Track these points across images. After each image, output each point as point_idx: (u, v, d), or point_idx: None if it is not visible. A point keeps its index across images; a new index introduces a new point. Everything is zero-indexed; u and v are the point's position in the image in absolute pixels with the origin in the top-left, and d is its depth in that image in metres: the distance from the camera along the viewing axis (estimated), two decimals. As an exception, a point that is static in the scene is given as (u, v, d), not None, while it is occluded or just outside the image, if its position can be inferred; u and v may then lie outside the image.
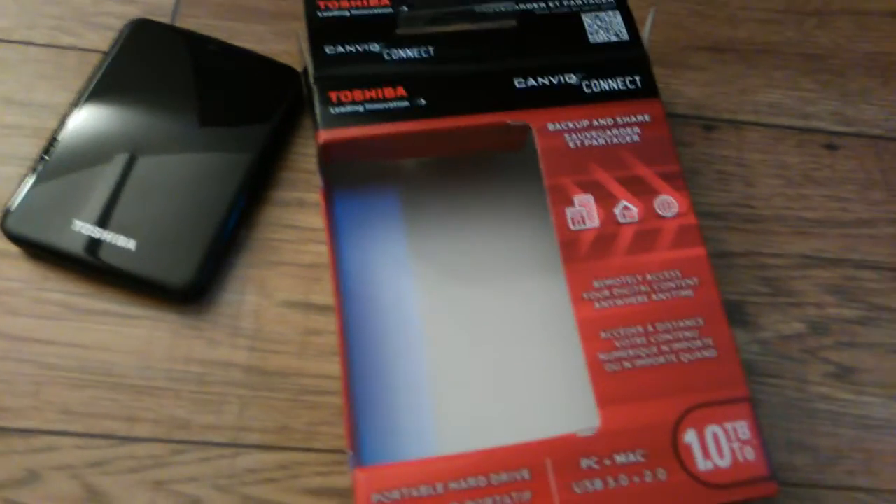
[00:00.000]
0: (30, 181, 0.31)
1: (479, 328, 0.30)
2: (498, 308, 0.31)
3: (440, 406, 0.29)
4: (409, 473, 0.24)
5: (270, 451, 0.29)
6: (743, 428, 0.25)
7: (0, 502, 0.27)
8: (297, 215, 0.33)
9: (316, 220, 0.33)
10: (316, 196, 0.33)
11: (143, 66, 0.33)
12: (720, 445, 0.25)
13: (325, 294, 0.32)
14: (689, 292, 0.27)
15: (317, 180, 0.34)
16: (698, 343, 0.26)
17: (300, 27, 0.31)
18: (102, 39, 0.35)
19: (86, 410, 0.29)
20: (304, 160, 0.34)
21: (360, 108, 0.29)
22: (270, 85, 0.33)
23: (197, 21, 0.36)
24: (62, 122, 0.32)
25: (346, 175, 0.33)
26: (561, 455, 0.24)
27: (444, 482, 0.24)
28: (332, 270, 0.29)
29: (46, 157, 0.31)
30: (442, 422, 0.29)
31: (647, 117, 0.30)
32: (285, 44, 0.36)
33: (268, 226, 0.33)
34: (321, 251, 0.32)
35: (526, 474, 0.24)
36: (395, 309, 0.31)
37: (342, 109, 0.29)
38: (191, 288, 0.30)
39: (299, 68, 0.34)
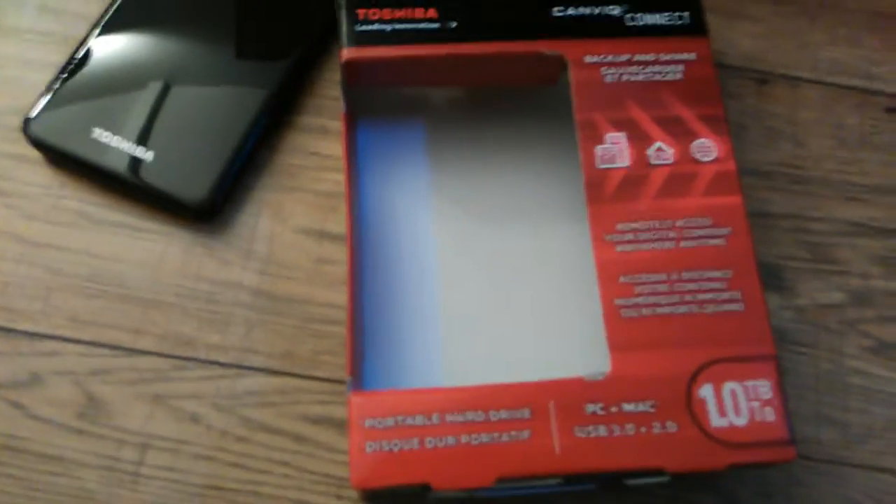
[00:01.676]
0: (54, 88, 0.30)
1: (497, 268, 0.29)
2: (517, 249, 0.30)
3: (449, 343, 0.28)
4: (405, 402, 0.23)
5: (273, 376, 0.28)
6: (765, 387, 0.23)
7: (1, 402, 0.27)
8: (320, 142, 0.32)
9: (338, 148, 0.32)
10: (339, 124, 0.32)
11: (175, -21, 0.32)
12: (738, 403, 0.23)
13: (340, 223, 0.31)
14: (720, 241, 0.25)
15: (341, 105, 0.33)
16: (725, 295, 0.25)
17: (335, -54, 0.30)
18: (138, -47, 0.35)
19: (93, 319, 0.28)
20: (332, 87, 0.33)
21: (388, 28, 0.28)
22: (302, 5, 0.32)
23: (233, -61, 0.35)
24: (90, 32, 0.31)
25: (371, 104, 0.32)
26: (565, 397, 0.23)
27: (440, 413, 0.23)
28: (347, 196, 0.28)
29: (73, 66, 0.31)
30: (449, 358, 0.28)
31: (692, 56, 0.28)
32: (321, -34, 0.35)
33: (289, 151, 0.32)
34: (340, 180, 0.31)
35: (527, 413, 0.23)
36: (411, 242, 0.30)
37: (368, 27, 0.28)
38: (205, 205, 0.29)
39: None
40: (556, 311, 0.29)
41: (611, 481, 0.25)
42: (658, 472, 0.23)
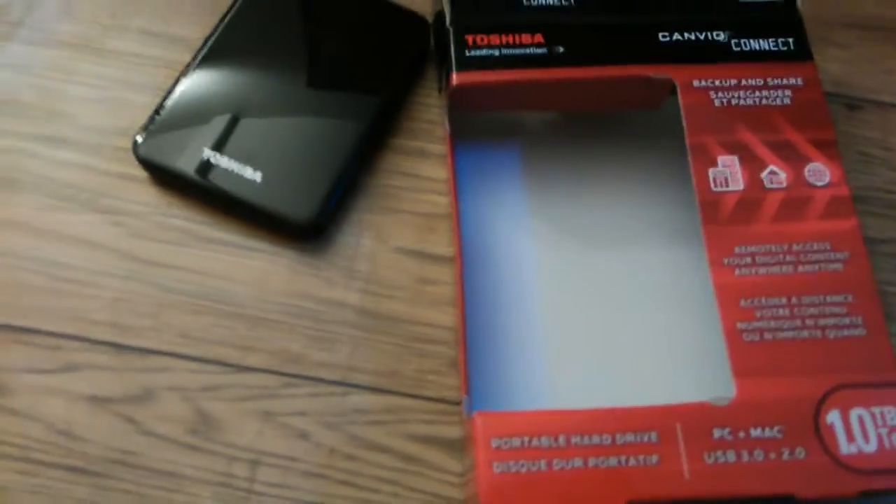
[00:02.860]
0: (163, 109, 0.31)
1: (597, 291, 0.29)
2: (617, 272, 0.30)
3: (553, 366, 0.28)
4: (530, 422, 0.23)
5: (379, 394, 0.28)
6: (892, 413, 0.23)
7: (114, 417, 0.28)
8: (417, 164, 0.32)
9: (434, 170, 0.32)
10: (435, 147, 0.33)
11: (275, 6, 0.33)
12: (866, 430, 0.23)
13: (439, 244, 0.31)
14: (838, 266, 0.25)
15: (439, 131, 0.33)
16: (847, 320, 0.24)
17: (435, -27, 0.31)
18: (237, -21, 0.35)
19: (202, 336, 0.29)
20: (427, 110, 0.34)
21: (496, 53, 0.28)
22: (399, 33, 0.33)
23: (329, -34, 0.36)
24: (196, 55, 0.32)
25: (467, 127, 0.32)
26: (692, 422, 0.23)
27: (566, 435, 0.23)
28: (454, 217, 0.28)
29: (179, 89, 0.31)
30: (554, 382, 0.28)
31: (799, 80, 0.28)
32: (416, -8, 0.35)
33: (387, 173, 0.32)
34: (438, 201, 0.32)
35: (654, 437, 0.23)
36: (510, 265, 0.30)
37: (477, 53, 0.28)
38: (312, 224, 0.29)
39: (428, 16, 0.34)
40: (658, 334, 0.29)
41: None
42: (788, 498, 0.22)
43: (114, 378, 0.28)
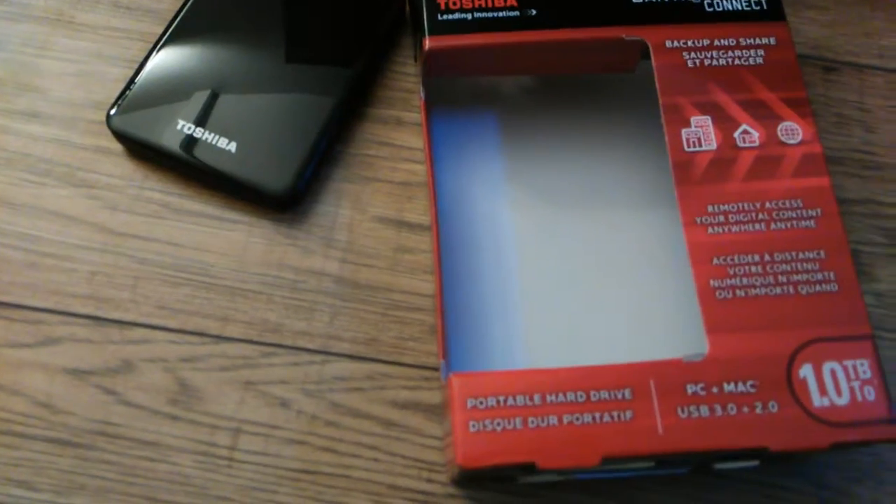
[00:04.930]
0: (136, 82, 0.31)
1: (574, 256, 0.29)
2: (593, 236, 0.30)
3: (530, 331, 0.28)
4: (505, 382, 0.23)
5: (358, 362, 0.28)
6: (864, 367, 0.23)
7: (95, 389, 0.28)
8: (393, 133, 0.32)
9: (410, 138, 0.32)
10: (412, 115, 0.33)
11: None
12: (838, 383, 0.23)
13: (417, 212, 0.31)
14: (810, 223, 0.25)
15: (415, 99, 0.33)
16: (819, 276, 0.25)
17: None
18: (209, -51, 0.35)
19: (180, 307, 0.29)
20: (403, 79, 0.33)
21: (468, 17, 0.28)
22: (370, 5, 0.33)
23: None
24: (168, 27, 0.32)
25: (444, 94, 0.32)
26: (665, 378, 0.23)
27: (541, 393, 0.23)
28: (431, 186, 0.28)
29: (153, 61, 0.31)
30: (532, 345, 0.28)
31: (772, 40, 0.28)
32: (390, -40, 0.35)
33: (363, 142, 0.32)
34: (415, 170, 0.32)
35: (628, 394, 0.23)
36: (488, 231, 0.30)
37: (450, 17, 0.28)
38: (287, 194, 0.29)
39: (403, -16, 0.33)
40: (636, 294, 0.29)
41: (702, 465, 0.25)
42: (761, 451, 0.23)
43: (93, 350, 0.28)
